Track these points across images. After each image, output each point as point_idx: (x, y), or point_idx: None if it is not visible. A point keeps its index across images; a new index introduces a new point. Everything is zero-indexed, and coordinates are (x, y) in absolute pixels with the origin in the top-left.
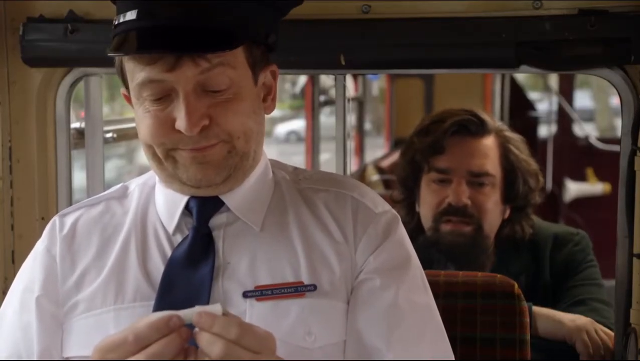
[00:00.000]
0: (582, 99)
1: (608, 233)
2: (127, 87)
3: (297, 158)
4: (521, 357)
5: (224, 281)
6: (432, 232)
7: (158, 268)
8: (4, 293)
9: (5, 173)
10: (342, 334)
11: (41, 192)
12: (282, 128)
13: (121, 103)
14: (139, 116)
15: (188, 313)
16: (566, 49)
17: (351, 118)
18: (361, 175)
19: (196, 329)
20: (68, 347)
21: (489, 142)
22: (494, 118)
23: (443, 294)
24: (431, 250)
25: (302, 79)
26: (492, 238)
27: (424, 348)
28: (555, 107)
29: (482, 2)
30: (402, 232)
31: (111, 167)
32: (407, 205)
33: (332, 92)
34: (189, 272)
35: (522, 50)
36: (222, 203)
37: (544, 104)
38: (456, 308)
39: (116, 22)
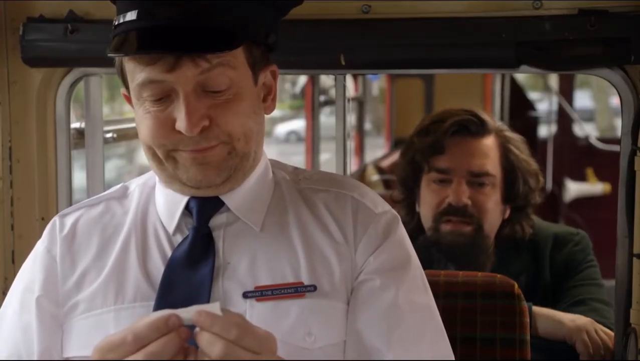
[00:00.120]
0: (582, 99)
1: (608, 233)
2: (127, 88)
3: (297, 158)
4: (521, 357)
5: (224, 281)
6: (432, 232)
7: (158, 268)
8: (4, 293)
9: (5, 173)
10: (342, 334)
11: (41, 192)
12: (282, 128)
13: (121, 103)
14: (139, 117)
15: (187, 313)
16: (566, 49)
17: (351, 118)
18: (361, 175)
19: (197, 329)
20: (68, 347)
21: (489, 142)
22: (494, 118)
23: (443, 294)
24: (431, 250)
25: (302, 79)
26: (492, 238)
27: (424, 348)
28: (555, 107)
29: (482, 2)
30: (402, 232)
31: (111, 167)
32: (407, 205)
33: (332, 92)
34: (189, 272)
35: (522, 50)
36: (222, 204)
37: (544, 104)
38: (456, 308)
39: (116, 23)
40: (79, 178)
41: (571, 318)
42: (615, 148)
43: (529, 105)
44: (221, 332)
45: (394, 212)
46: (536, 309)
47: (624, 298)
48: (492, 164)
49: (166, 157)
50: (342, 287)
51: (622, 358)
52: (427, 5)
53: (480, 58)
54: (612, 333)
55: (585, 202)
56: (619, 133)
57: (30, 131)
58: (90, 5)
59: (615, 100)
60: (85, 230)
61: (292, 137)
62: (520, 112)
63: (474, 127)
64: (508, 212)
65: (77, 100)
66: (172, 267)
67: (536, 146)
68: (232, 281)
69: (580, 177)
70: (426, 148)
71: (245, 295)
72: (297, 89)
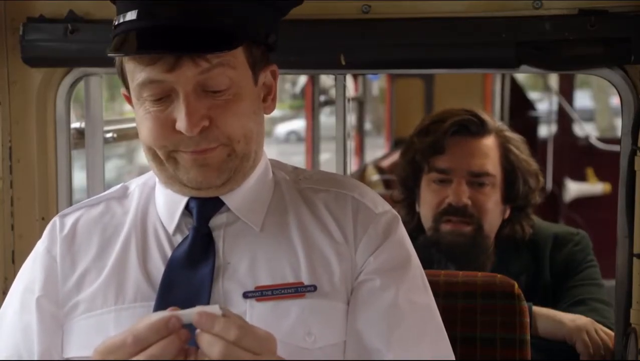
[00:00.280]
0: (582, 99)
1: (608, 233)
2: (127, 88)
3: (297, 158)
4: (521, 357)
5: (224, 281)
6: (432, 232)
7: (158, 268)
8: (4, 293)
9: (5, 173)
10: (342, 334)
11: (41, 192)
12: (282, 128)
13: (121, 103)
14: (140, 117)
15: (187, 314)
16: (566, 49)
17: (351, 118)
18: (361, 175)
19: (198, 330)
20: (68, 348)
21: (489, 142)
22: (494, 118)
23: (443, 294)
24: (431, 250)
25: (302, 79)
26: (492, 238)
27: (424, 348)
28: (555, 107)
29: (482, 2)
30: (402, 232)
31: (111, 167)
32: (407, 205)
33: (332, 92)
34: (189, 272)
35: (522, 50)
36: (222, 204)
37: (544, 104)
38: (456, 308)
39: (116, 23)
40: (79, 178)
41: (571, 318)
42: (615, 148)
43: (529, 105)
44: (221, 333)
45: (394, 212)
46: (536, 309)
47: (624, 298)
48: (492, 164)
49: (167, 158)
50: (342, 287)
51: (622, 358)
52: (427, 5)
53: (480, 58)
54: (612, 333)
55: (585, 202)
56: (619, 133)
57: (30, 131)
58: (90, 5)
59: (615, 100)
60: (85, 230)
61: (292, 137)
62: (520, 112)
63: (474, 127)
64: (508, 212)
65: (77, 100)
66: (172, 267)
67: (536, 146)
68: (232, 282)
69: (580, 177)
70: (426, 148)
71: (246, 295)
72: (297, 88)
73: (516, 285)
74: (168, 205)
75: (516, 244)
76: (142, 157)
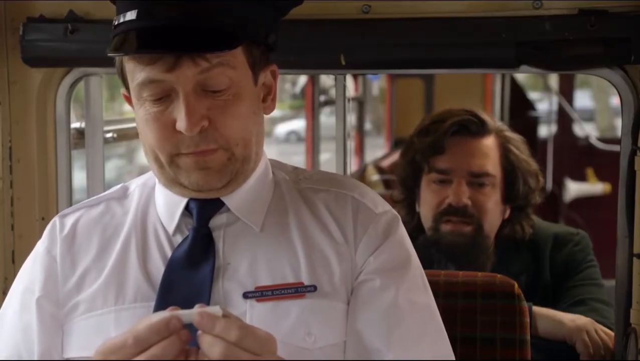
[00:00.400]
0: (582, 99)
1: (608, 233)
2: (127, 88)
3: (297, 158)
4: (521, 357)
5: (224, 282)
6: (432, 232)
7: (158, 268)
8: (4, 294)
9: (5, 173)
10: (342, 335)
11: (41, 192)
12: (282, 128)
13: (121, 103)
14: (140, 118)
15: (188, 314)
16: (566, 49)
17: (351, 118)
18: (361, 175)
19: (199, 332)
20: (68, 348)
21: (489, 142)
22: (494, 118)
23: (443, 294)
24: (431, 250)
25: (302, 79)
26: (492, 238)
27: (424, 348)
28: (555, 107)
29: (482, 2)
30: (402, 232)
31: (111, 167)
32: (407, 205)
33: (332, 92)
34: (189, 273)
35: (522, 50)
36: (222, 204)
37: (544, 104)
38: (456, 308)
39: (116, 22)
40: (79, 178)
41: (571, 318)
42: (615, 148)
43: (529, 105)
44: (222, 334)
45: (394, 212)
46: (536, 309)
47: (624, 298)
48: (492, 164)
49: (169, 162)
50: (342, 287)
51: (622, 358)
52: (427, 5)
53: (480, 58)
54: (612, 333)
55: (585, 202)
56: (619, 133)
57: (30, 131)
58: (90, 5)
59: (615, 100)
60: (85, 231)
61: (292, 137)
62: (520, 112)
63: (474, 127)
64: (508, 212)
65: (77, 100)
66: (172, 267)
67: (536, 146)
68: (232, 282)
69: (580, 177)
70: (426, 148)
71: (246, 295)
72: (297, 89)
73: (516, 285)
74: (168, 206)
75: (516, 244)
76: (142, 157)
